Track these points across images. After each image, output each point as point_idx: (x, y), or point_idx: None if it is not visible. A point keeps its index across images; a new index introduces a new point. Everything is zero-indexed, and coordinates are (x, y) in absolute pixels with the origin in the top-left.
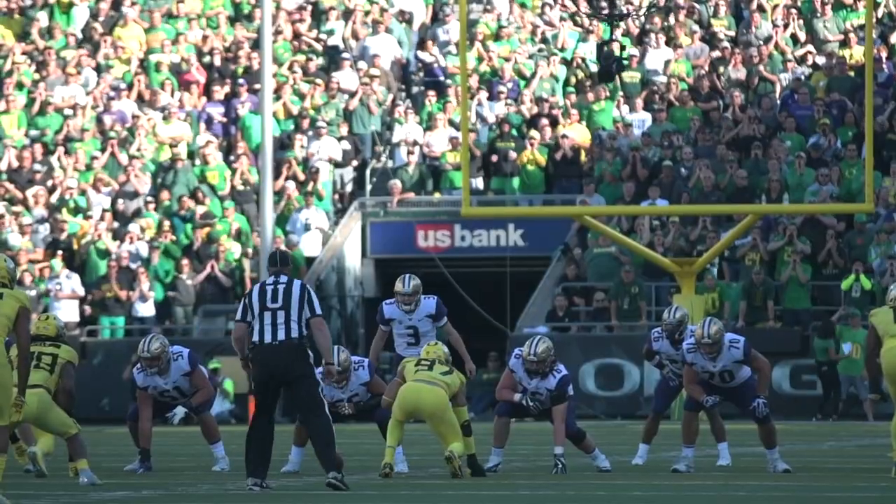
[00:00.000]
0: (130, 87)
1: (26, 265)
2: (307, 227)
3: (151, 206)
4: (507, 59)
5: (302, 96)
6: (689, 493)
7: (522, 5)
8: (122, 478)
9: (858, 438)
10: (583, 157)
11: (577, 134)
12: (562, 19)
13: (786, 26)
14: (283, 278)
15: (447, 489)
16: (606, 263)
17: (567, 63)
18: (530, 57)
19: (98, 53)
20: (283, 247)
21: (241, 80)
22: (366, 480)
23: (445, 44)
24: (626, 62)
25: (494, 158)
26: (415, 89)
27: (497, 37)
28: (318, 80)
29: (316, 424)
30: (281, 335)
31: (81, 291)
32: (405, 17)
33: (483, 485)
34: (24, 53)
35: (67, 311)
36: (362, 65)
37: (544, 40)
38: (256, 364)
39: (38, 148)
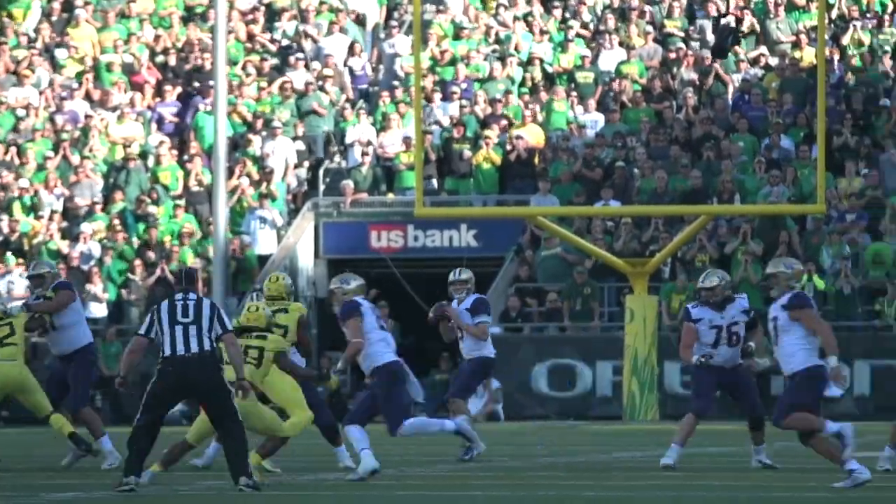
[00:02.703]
0: (81, 86)
1: None
2: (261, 227)
3: (108, 206)
4: (461, 60)
5: (256, 97)
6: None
7: (480, 7)
8: (70, 477)
9: None
10: (536, 158)
11: (530, 135)
12: (515, 19)
13: (738, 28)
14: (192, 295)
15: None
16: (555, 265)
17: (522, 64)
18: (485, 58)
19: (50, 53)
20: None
21: (194, 81)
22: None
23: (399, 44)
24: (741, 36)
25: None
26: (368, 90)
27: (452, 37)
28: (272, 81)
29: (230, 429)
30: (194, 347)
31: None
32: (359, 18)
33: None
34: None
35: None
36: (316, 65)
37: (498, 41)
38: (166, 375)
39: None
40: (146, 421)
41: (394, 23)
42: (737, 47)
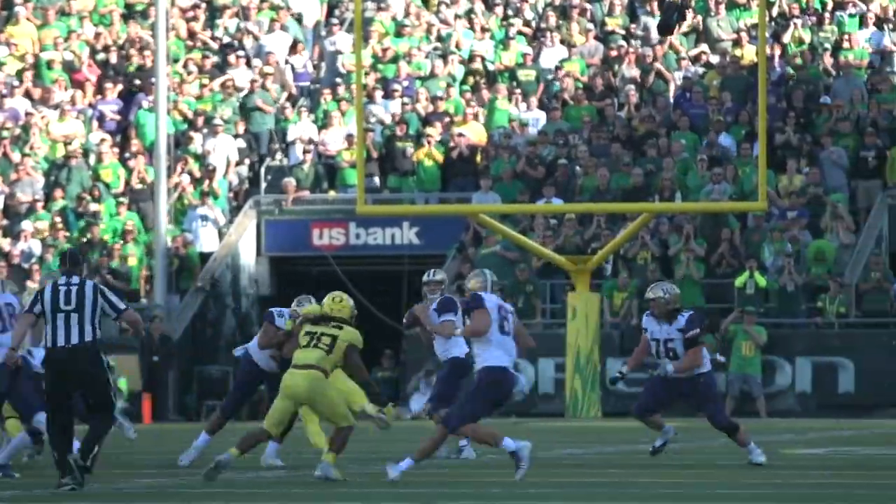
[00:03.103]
0: (22, 84)
1: None
2: (203, 224)
3: (49, 204)
4: (403, 58)
5: (198, 95)
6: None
7: (421, 4)
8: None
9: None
10: (479, 156)
11: (472, 133)
12: (457, 17)
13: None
14: (76, 279)
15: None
16: (495, 263)
17: (464, 62)
18: (427, 56)
19: None
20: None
21: (135, 78)
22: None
23: (340, 42)
24: (687, 11)
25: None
26: (310, 87)
27: (394, 35)
28: (214, 78)
29: (100, 420)
30: (74, 338)
31: None
32: (299, 16)
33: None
34: None
35: None
36: (257, 63)
37: (440, 39)
38: (51, 366)
39: None
40: (50, 417)
41: (335, 20)
42: (678, 45)
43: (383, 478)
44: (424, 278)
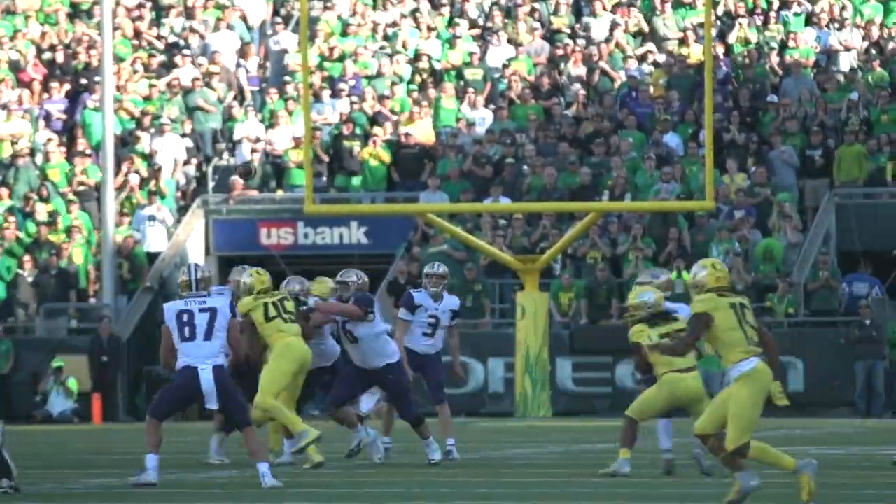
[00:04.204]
0: None
1: None
2: (151, 224)
3: None
4: (349, 57)
5: (146, 95)
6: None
7: (367, 3)
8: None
9: None
10: (426, 154)
11: (420, 131)
12: (402, 16)
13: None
14: None
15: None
16: (442, 262)
17: (410, 61)
18: (374, 55)
19: None
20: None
21: (81, 78)
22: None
23: (286, 41)
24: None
25: (330, 156)
26: (256, 86)
27: (340, 34)
28: (160, 77)
29: None
30: None
31: None
32: (245, 14)
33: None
34: None
35: None
36: (203, 61)
37: (386, 38)
38: None
39: None
40: None
41: (279, 19)
42: (624, 44)
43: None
44: (427, 270)
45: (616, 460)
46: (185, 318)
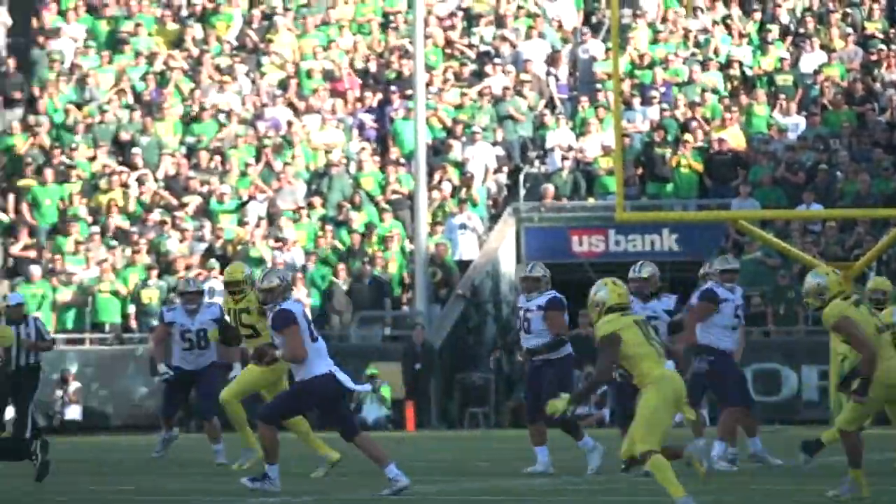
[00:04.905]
0: (283, 93)
1: (183, 271)
2: (462, 232)
3: (310, 212)
4: (660, 64)
5: (458, 104)
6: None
7: (678, 10)
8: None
9: None
10: (737, 161)
11: (731, 138)
12: (714, 23)
13: None
14: None
15: None
16: (754, 269)
17: (721, 67)
18: (684, 62)
19: (251, 61)
20: (438, 248)
21: (393, 87)
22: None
23: (596, 49)
24: None
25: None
26: (566, 94)
27: (650, 41)
28: (471, 86)
29: None
30: None
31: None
32: (557, 22)
33: None
34: (178, 61)
35: None
36: (513, 70)
37: (697, 45)
38: None
39: (193, 155)
40: None
41: (587, 29)
42: None
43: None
44: (631, 274)
45: None
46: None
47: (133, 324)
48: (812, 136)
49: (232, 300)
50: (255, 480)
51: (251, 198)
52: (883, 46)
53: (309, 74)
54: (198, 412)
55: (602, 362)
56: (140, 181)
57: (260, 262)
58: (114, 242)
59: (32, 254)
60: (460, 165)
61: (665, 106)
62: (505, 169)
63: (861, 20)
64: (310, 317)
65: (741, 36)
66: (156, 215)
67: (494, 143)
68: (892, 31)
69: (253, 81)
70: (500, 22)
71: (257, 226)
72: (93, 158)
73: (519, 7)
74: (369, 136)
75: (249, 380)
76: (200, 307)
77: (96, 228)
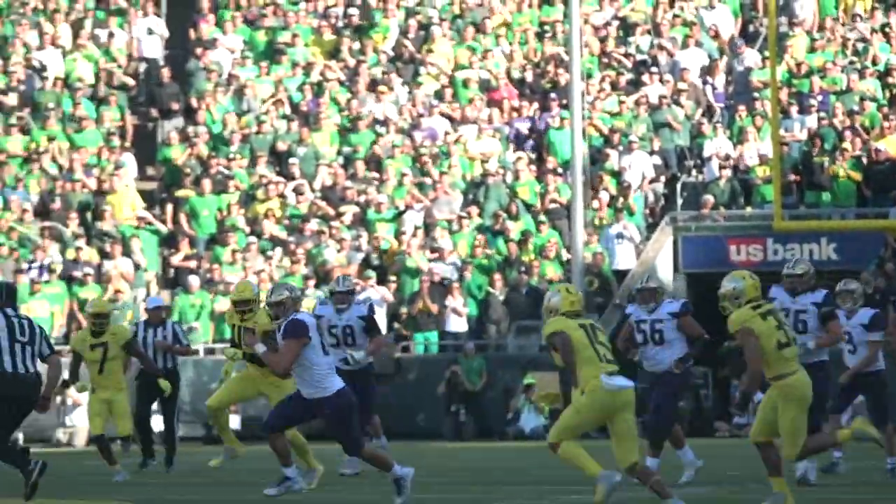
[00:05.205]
0: (441, 102)
1: None
2: (619, 241)
3: (465, 221)
4: (817, 72)
5: (615, 111)
6: None
7: (835, 18)
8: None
9: None
10: None
11: (890, 147)
12: (873, 31)
13: None
14: (23, 315)
15: None
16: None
17: (880, 76)
18: (842, 70)
19: (408, 70)
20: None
21: (550, 96)
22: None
23: (752, 57)
24: None
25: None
26: (723, 103)
27: (807, 50)
28: (628, 95)
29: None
30: (31, 367)
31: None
32: (713, 31)
33: None
34: (334, 71)
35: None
36: (670, 78)
37: (856, 53)
38: (5, 390)
39: (350, 165)
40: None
41: (739, 41)
42: None
43: None
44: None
45: None
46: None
47: None
48: None
49: (238, 318)
50: (276, 486)
51: (408, 207)
52: None
53: (465, 84)
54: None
55: (565, 358)
56: (297, 191)
57: (416, 272)
58: (271, 252)
59: (192, 264)
60: (617, 174)
61: (823, 114)
62: (662, 178)
63: None
64: (324, 331)
65: None
66: (313, 225)
67: (651, 153)
68: None
69: (409, 91)
70: (656, 31)
71: (413, 235)
72: (250, 168)
73: (675, 16)
74: (525, 146)
75: (237, 389)
76: (350, 306)
77: (253, 238)
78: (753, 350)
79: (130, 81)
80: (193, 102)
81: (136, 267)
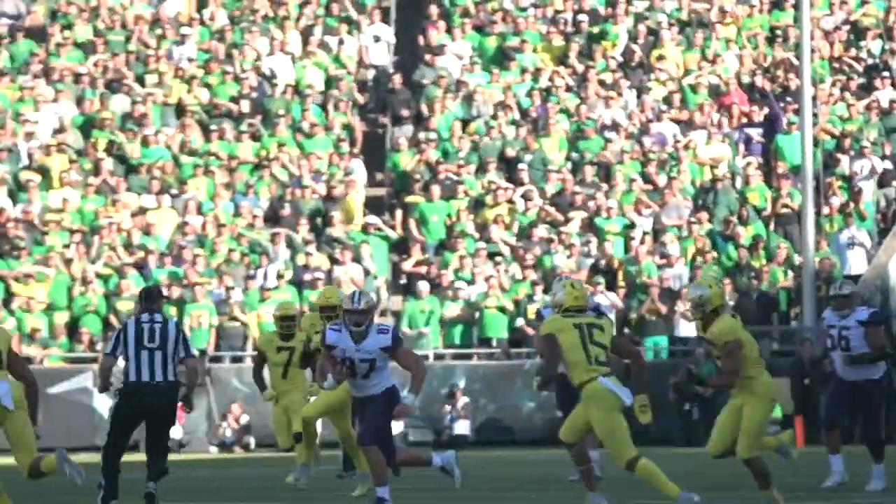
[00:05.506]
0: (670, 107)
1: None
2: (850, 247)
3: (694, 227)
4: None
5: (846, 116)
6: None
7: None
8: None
9: None
10: None
11: None
12: None
13: None
14: (158, 316)
15: None
16: None
17: None
18: None
19: (636, 76)
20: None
21: (780, 101)
22: None
23: None
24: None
25: None
26: None
27: None
28: (859, 99)
29: (162, 452)
30: (158, 375)
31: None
32: None
33: None
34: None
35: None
36: None
37: None
38: (129, 399)
39: (578, 170)
40: (112, 444)
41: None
42: None
43: None
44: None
45: None
46: None
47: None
48: None
49: (324, 324)
50: None
51: (637, 213)
52: None
53: (694, 89)
54: None
55: (546, 360)
56: (526, 197)
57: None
58: (499, 258)
59: (421, 269)
60: (848, 179)
61: None
62: (894, 183)
63: None
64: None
65: None
66: (541, 231)
67: (883, 157)
68: None
69: (638, 96)
70: (888, 35)
71: (642, 242)
72: (479, 174)
73: None
74: (755, 151)
75: (332, 401)
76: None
77: (482, 244)
78: (736, 364)
79: (360, 88)
80: (423, 109)
81: (366, 273)
